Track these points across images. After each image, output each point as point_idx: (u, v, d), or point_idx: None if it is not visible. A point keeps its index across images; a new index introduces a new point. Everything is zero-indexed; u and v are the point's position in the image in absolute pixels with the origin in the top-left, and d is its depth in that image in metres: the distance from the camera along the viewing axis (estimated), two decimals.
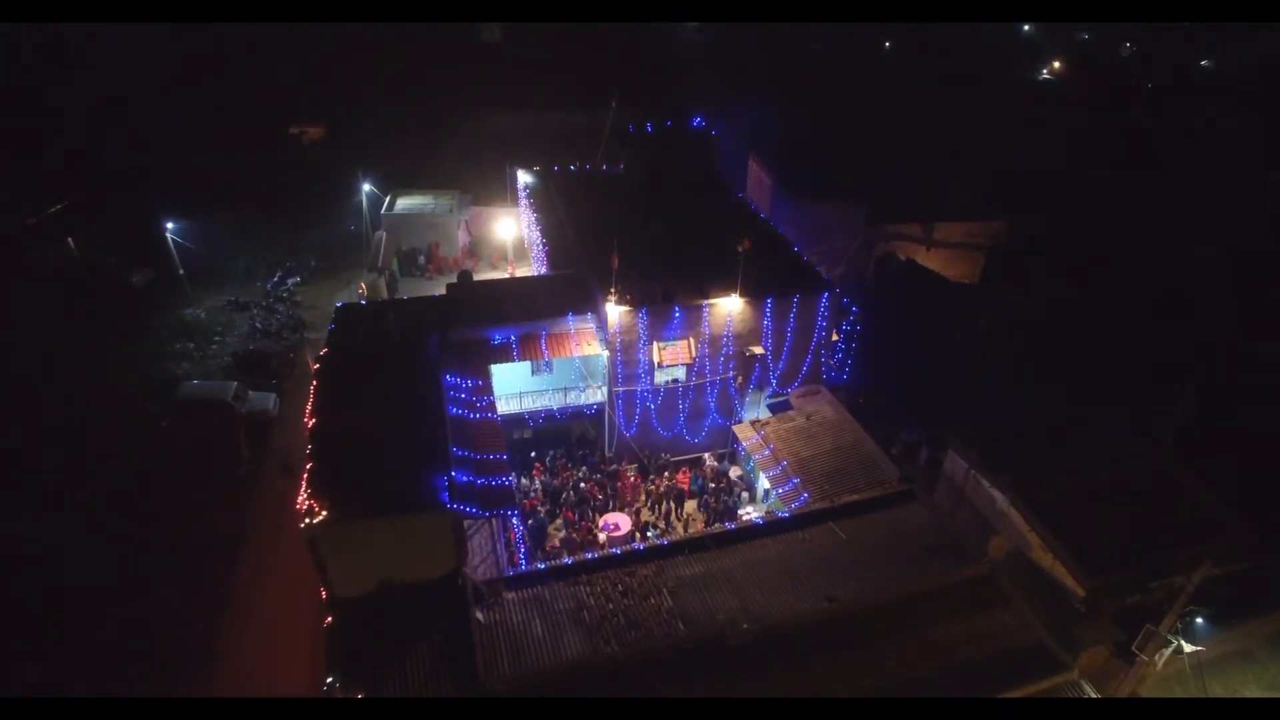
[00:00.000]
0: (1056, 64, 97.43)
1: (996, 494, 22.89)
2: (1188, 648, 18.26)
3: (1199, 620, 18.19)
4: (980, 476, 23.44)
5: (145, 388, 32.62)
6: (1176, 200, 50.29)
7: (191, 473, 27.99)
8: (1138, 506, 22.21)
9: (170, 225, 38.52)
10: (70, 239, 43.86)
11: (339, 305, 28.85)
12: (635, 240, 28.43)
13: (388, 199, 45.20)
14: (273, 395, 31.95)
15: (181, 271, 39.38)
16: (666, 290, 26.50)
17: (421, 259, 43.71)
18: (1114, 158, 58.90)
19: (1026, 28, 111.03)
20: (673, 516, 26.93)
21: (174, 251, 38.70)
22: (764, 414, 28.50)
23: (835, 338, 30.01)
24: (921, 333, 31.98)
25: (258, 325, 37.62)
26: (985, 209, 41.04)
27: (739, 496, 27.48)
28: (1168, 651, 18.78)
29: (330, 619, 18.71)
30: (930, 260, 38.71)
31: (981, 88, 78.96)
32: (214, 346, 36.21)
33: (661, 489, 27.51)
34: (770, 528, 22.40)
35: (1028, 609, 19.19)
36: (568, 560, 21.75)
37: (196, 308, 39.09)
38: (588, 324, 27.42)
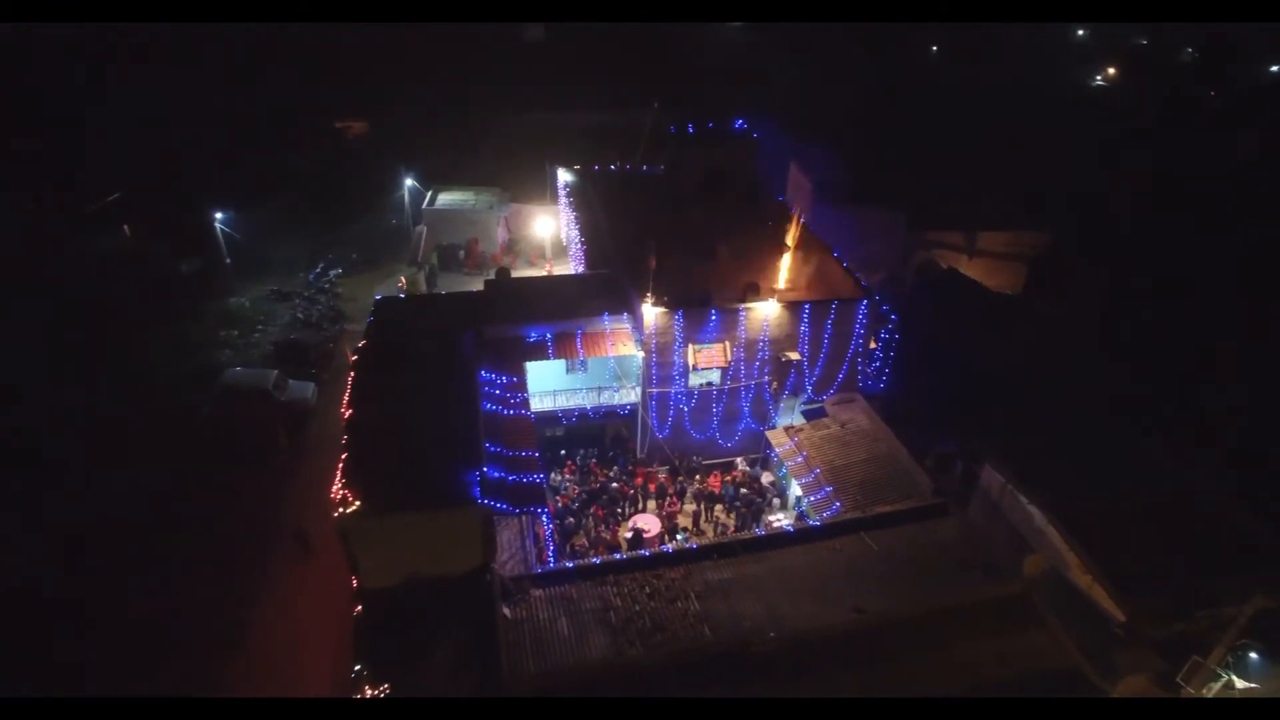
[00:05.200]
0: (1111, 70, 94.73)
1: (1033, 511, 22.37)
2: (1239, 683, 17.52)
3: (1252, 655, 17.42)
4: (1017, 492, 22.94)
5: (189, 374, 33.44)
6: (1236, 219, 48.46)
7: (229, 460, 28.55)
8: (1183, 530, 21.50)
9: (219, 216, 39.50)
10: (126, 227, 45.28)
11: (378, 298, 29.31)
12: (673, 242, 28.40)
13: (429, 194, 45.77)
14: (311, 385, 32.52)
15: (228, 261, 40.41)
16: (703, 293, 26.41)
17: (460, 254, 44.15)
18: (1168, 169, 57.05)
19: (1080, 32, 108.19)
20: (702, 520, 26.81)
21: (221, 241, 39.71)
22: (798, 420, 28.27)
23: (873, 346, 29.61)
24: (960, 343, 31.37)
25: (299, 315, 38.33)
26: (1029, 219, 40.16)
27: (770, 503, 27.30)
28: (1216, 686, 18.08)
29: (360, 608, 19.02)
30: (971, 269, 38.01)
31: (1030, 94, 77.15)
32: (256, 335, 36.99)
33: (692, 491, 27.49)
34: (800, 535, 22.24)
35: (1062, 631, 18.72)
36: (596, 560, 21.85)
37: (241, 297, 40.03)
38: (623, 324, 27.41)
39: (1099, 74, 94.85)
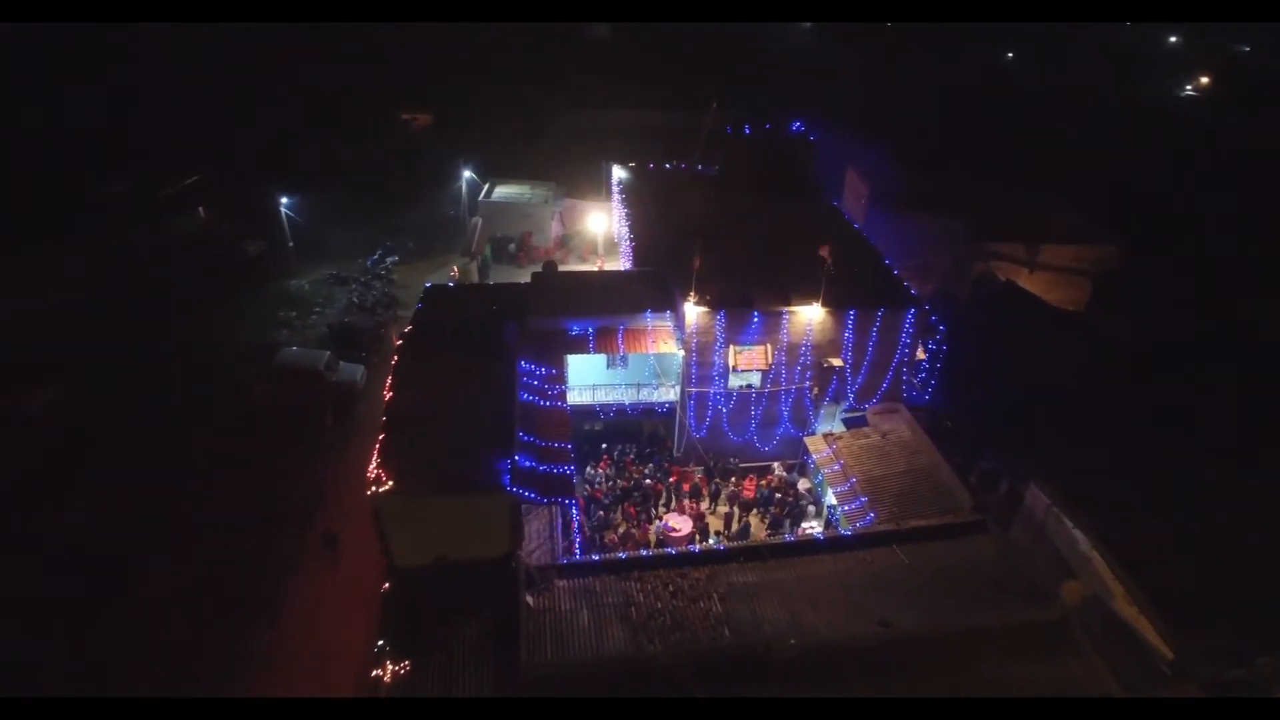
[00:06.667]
0: (1204, 79, 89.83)
1: (1079, 535, 21.46)
2: None
3: None
4: (1062, 514, 22.03)
5: (247, 351, 34.85)
6: None
7: (278, 436, 29.62)
8: (1248, 564, 20.26)
9: (284, 200, 40.99)
10: (201, 208, 47.47)
11: (427, 286, 29.94)
12: (721, 242, 28.24)
13: (486, 186, 46.57)
14: (361, 367, 33.43)
15: (291, 244, 41.91)
16: (746, 294, 26.16)
17: (513, 247, 44.77)
18: (1254, 185, 53.73)
19: (1173, 39, 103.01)
20: (734, 524, 26.56)
21: (285, 225, 41.22)
22: (838, 428, 27.76)
23: (921, 356, 28.86)
24: (1015, 358, 30.27)
25: (354, 300, 39.49)
26: (1097, 233, 38.45)
27: (805, 509, 26.86)
28: None
29: (387, 586, 19.48)
30: (1031, 283, 36.62)
31: (1111, 103, 73.90)
32: (313, 317, 38.28)
33: (726, 493, 27.28)
34: (830, 544, 21.80)
35: (1100, 662, 17.85)
36: (622, 555, 21.86)
37: (301, 279, 41.49)
38: (665, 322, 27.41)
39: (1189, 83, 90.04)
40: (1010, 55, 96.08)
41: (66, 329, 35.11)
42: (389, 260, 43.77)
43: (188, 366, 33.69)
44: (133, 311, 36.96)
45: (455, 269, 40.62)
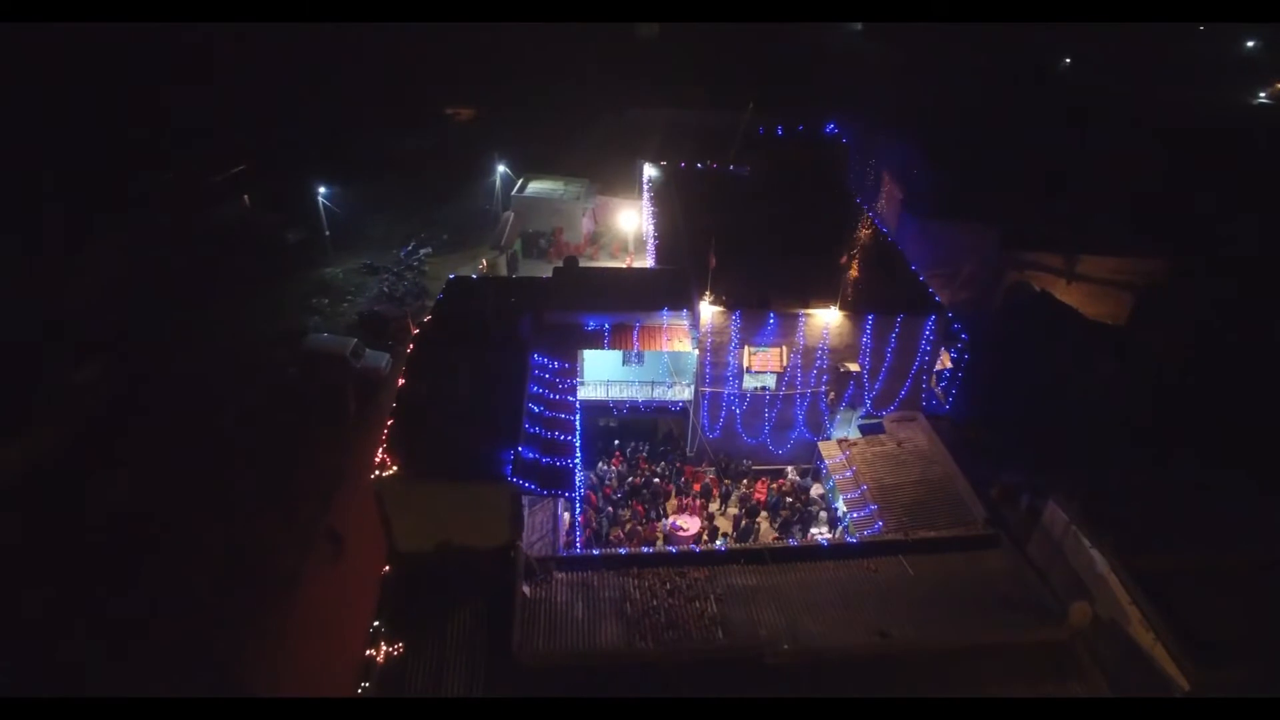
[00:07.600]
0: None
1: (1096, 555, 20.67)
2: None
3: None
4: (1080, 533, 21.25)
5: (280, 335, 35.85)
6: None
7: (302, 418, 30.39)
8: (1272, 597, 19.29)
9: (321, 190, 41.95)
10: (246, 197, 48.90)
11: (450, 277, 30.36)
12: (744, 242, 28.00)
13: (519, 181, 46.96)
14: (386, 356, 34.07)
15: (328, 234, 42.88)
16: (762, 294, 25.89)
17: (544, 242, 45.08)
18: None
19: (1250, 43, 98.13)
20: (742, 525, 26.29)
21: (323, 215, 42.18)
22: (854, 434, 27.30)
23: (945, 365, 28.16)
24: (1043, 371, 29.35)
25: (385, 289, 40.30)
26: (1145, 244, 36.92)
27: (815, 515, 26.46)
28: None
29: (388, 568, 19.80)
30: (1069, 295, 35.40)
31: (1174, 111, 70.85)
32: (345, 304, 39.22)
33: (737, 495, 27.03)
34: (834, 551, 21.48)
35: (1106, 686, 17.19)
36: (622, 550, 21.85)
37: (336, 268, 42.48)
38: (681, 320, 27.28)
39: (1264, 90, 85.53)
40: (1068, 61, 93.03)
41: (114, 308, 36.50)
42: (422, 252, 44.44)
43: (225, 348, 34.81)
44: (177, 293, 38.28)
45: (484, 262, 41.09)
